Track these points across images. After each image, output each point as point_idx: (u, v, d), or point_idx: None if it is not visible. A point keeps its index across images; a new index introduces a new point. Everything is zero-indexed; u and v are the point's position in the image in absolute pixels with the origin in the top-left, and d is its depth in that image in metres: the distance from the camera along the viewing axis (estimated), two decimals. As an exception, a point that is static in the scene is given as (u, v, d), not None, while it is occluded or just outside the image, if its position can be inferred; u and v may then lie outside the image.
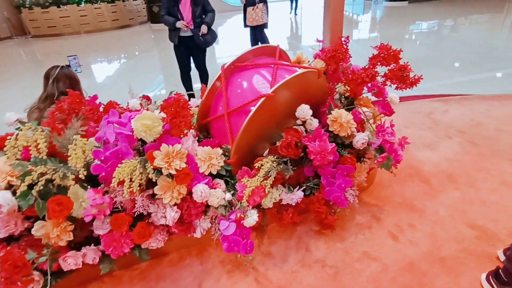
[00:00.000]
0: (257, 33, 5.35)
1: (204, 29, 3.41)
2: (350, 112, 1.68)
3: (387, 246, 1.52)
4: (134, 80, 5.72)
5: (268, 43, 5.64)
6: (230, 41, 8.70)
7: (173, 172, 1.21)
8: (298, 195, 1.51)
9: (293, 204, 1.51)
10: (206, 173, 1.36)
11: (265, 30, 5.43)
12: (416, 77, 1.60)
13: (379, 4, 14.06)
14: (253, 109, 1.30)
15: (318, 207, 1.51)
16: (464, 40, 7.60)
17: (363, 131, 1.64)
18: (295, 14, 12.21)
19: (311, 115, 1.51)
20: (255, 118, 1.32)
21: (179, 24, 3.33)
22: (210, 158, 1.35)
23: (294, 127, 1.55)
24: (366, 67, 1.66)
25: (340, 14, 1.78)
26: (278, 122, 1.51)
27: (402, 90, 1.64)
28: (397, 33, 8.65)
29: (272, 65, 1.46)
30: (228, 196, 1.36)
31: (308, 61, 2.12)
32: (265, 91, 1.36)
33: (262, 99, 1.31)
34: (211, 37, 3.56)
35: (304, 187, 1.56)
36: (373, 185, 1.91)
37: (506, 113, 2.73)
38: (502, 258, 1.39)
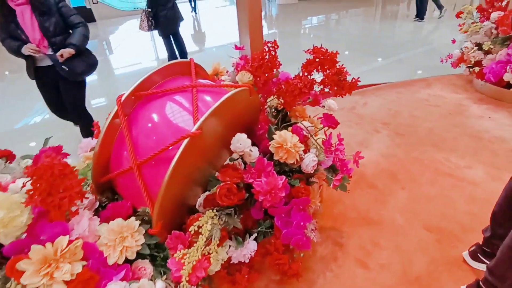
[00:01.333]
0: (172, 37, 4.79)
1: (65, 53, 2.04)
2: (289, 128, 1.43)
3: (359, 277, 1.32)
4: (5, 109, 4.52)
5: (184, 48, 5.13)
6: (131, 52, 7.77)
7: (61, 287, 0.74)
8: (250, 248, 1.18)
9: (247, 261, 1.18)
10: (120, 262, 0.91)
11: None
12: (353, 80, 1.42)
13: (273, 2, 14.65)
14: (176, 156, 0.91)
15: (277, 257, 1.21)
16: (349, 31, 8.36)
17: (307, 149, 1.40)
18: (195, 13, 11.79)
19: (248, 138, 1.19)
20: (179, 166, 0.93)
21: (25, 49, 1.98)
22: (123, 238, 0.91)
23: (230, 162, 1.20)
24: (299, 74, 1.42)
25: (258, 15, 1.49)
26: (210, 161, 1.15)
27: (343, 97, 1.45)
28: (294, 29, 9.04)
29: (191, 88, 1.08)
30: (160, 285, 0.94)
31: (227, 72, 1.79)
32: (186, 125, 0.98)
33: (186, 140, 0.93)
34: (85, 64, 2.19)
35: (255, 234, 1.23)
36: (323, 203, 1.71)
37: (413, 99, 2.90)
38: (469, 260, 1.33)
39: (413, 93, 3.02)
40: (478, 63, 2.82)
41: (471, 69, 2.95)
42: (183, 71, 1.23)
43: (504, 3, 2.80)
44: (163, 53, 5.17)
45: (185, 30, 9.48)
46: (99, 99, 4.25)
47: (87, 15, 11.34)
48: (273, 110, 1.57)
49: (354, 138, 2.30)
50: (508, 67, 2.48)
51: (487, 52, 2.75)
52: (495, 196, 1.22)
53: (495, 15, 2.66)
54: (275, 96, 1.46)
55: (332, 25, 9.91)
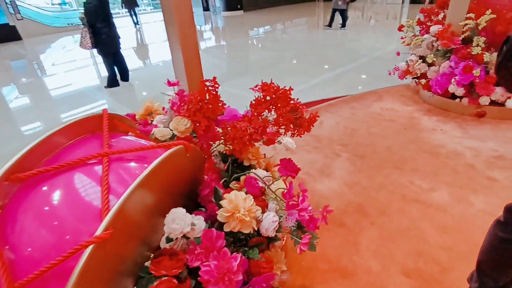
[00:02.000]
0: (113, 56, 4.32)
1: None
2: (242, 179, 1.18)
3: None
4: None
5: (125, 65, 4.66)
6: (67, 72, 6.97)
7: None
8: None
9: None
10: None
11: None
12: (311, 116, 1.22)
13: (218, 15, 14.51)
14: (72, 278, 0.60)
15: None
16: (296, 40, 8.47)
17: (265, 206, 1.16)
18: (138, 25, 11.20)
19: (191, 200, 0.92)
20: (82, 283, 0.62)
21: None
22: None
23: (166, 245, 0.91)
24: (249, 113, 1.19)
25: (193, 46, 1.23)
26: (141, 242, 0.85)
27: (301, 136, 1.24)
28: (241, 41, 8.94)
29: (101, 158, 0.78)
30: None
31: (164, 109, 1.50)
32: (88, 224, 0.68)
33: (89, 249, 0.62)
34: None
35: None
36: (289, 269, 1.48)
37: (367, 114, 2.84)
38: (455, 310, 1.19)
39: (367, 108, 2.97)
40: (424, 75, 2.85)
41: (417, 80, 2.99)
42: (94, 127, 0.92)
43: (440, 17, 2.88)
44: (104, 71, 4.69)
45: (128, 45, 8.90)
46: (33, 125, 3.68)
47: (11, 33, 10.16)
48: (221, 155, 1.32)
49: (314, 165, 2.13)
50: (453, 79, 2.51)
51: (431, 64, 2.79)
52: (464, 223, 1.09)
53: (434, 28, 2.71)
54: (221, 142, 1.20)
55: (279, 35, 10.00)
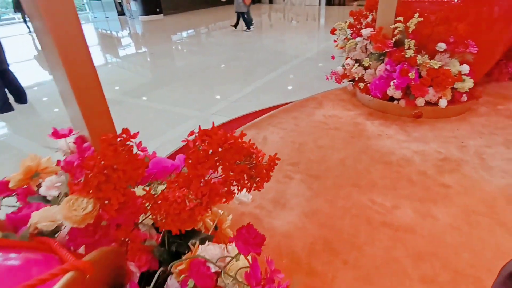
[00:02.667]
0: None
1: None
2: (186, 262, 0.82)
3: None
4: None
5: (19, 84, 3.74)
6: None
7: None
8: None
9: None
10: None
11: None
12: (270, 163, 0.92)
13: (136, 19, 13.44)
14: None
15: None
16: (223, 44, 8.20)
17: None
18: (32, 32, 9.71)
19: None
20: None
21: None
22: None
23: None
24: (187, 173, 0.83)
25: (90, 71, 0.82)
26: None
27: (259, 190, 0.92)
28: (165, 46, 8.31)
29: None
30: None
31: (59, 163, 1.04)
32: None
33: None
34: None
35: None
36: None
37: (312, 124, 2.68)
38: None
39: (309, 116, 2.81)
40: (361, 78, 2.80)
41: (353, 83, 2.94)
42: None
43: (369, 19, 2.87)
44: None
45: (22, 57, 7.56)
46: None
47: None
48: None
49: (267, 195, 1.84)
50: (391, 82, 2.47)
51: (367, 68, 2.75)
52: (436, 243, 0.92)
53: (367, 32, 2.67)
54: (150, 214, 0.82)
55: (204, 39, 9.59)
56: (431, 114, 2.61)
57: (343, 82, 3.03)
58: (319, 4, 15.10)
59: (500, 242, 1.47)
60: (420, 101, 2.50)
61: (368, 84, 2.75)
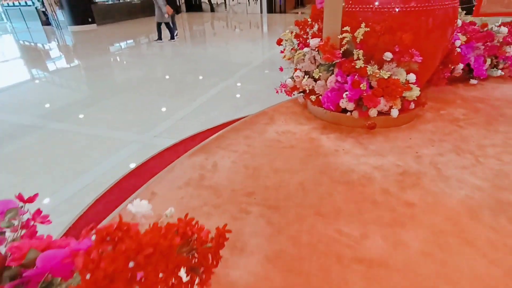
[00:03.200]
0: None
1: None
2: None
3: None
4: None
5: None
6: None
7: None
8: None
9: None
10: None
11: None
12: (220, 235, 0.66)
13: (65, 30, 12.24)
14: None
15: None
16: (163, 54, 7.77)
17: None
18: None
19: None
20: None
21: None
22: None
23: None
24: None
25: None
26: None
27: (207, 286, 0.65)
28: (101, 59, 7.58)
29: None
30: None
31: None
32: None
33: None
34: None
35: None
36: None
37: (265, 143, 2.47)
38: None
39: (261, 134, 2.60)
40: (312, 90, 2.68)
41: (303, 95, 2.80)
42: None
43: (315, 29, 2.76)
44: None
45: None
46: None
47: None
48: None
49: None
50: (344, 94, 2.37)
51: (317, 79, 2.63)
52: (413, 278, 0.74)
53: (315, 42, 2.55)
54: None
55: (144, 50, 9.01)
56: (384, 123, 2.57)
57: (294, 94, 2.89)
58: (261, 12, 15.28)
59: (473, 265, 1.38)
60: (373, 112, 2.43)
61: (320, 96, 2.63)
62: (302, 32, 2.83)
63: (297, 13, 14.55)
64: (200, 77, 5.35)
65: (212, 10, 17.19)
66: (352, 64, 2.34)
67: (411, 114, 2.68)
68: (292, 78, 2.74)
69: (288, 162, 2.19)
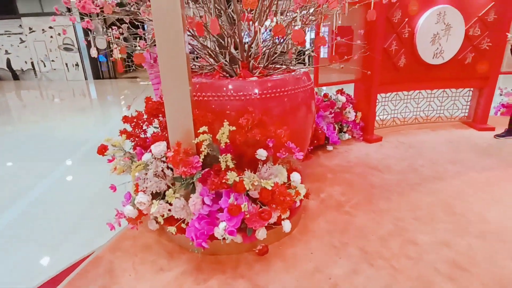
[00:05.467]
0: None
1: None
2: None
3: None
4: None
5: None
6: None
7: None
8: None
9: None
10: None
11: None
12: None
13: None
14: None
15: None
16: None
17: None
18: None
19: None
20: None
21: None
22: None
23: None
24: None
25: None
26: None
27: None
28: None
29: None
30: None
31: None
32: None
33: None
34: None
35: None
36: None
37: None
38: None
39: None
40: (171, 218, 1.75)
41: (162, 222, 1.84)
42: None
43: (155, 124, 1.92)
44: None
45: None
46: None
47: None
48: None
49: None
50: (221, 225, 1.56)
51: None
52: None
53: (159, 149, 1.68)
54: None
55: None
56: (273, 238, 1.92)
57: (141, 223, 1.88)
58: (86, 79, 13.39)
59: None
60: (261, 234, 1.74)
61: (183, 224, 1.75)
62: (137, 131, 1.93)
63: (136, 78, 13.51)
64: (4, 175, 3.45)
65: (16, 78, 13.87)
66: (222, 177, 1.60)
67: (298, 214, 2.17)
68: (132, 204, 1.75)
69: None
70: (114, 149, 1.81)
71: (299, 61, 2.94)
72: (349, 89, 3.84)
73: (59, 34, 12.88)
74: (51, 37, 12.97)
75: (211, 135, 1.66)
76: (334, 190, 2.63)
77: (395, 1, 3.28)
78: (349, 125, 3.59)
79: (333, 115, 3.34)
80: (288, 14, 2.30)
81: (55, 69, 13.49)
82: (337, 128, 3.44)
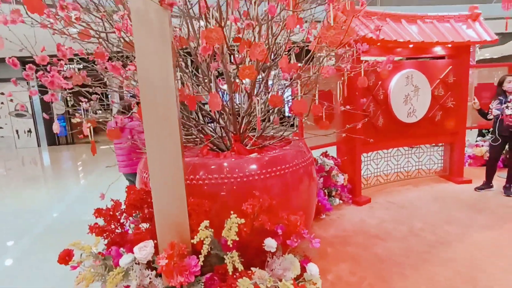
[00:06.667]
0: None
1: None
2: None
3: None
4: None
5: None
6: None
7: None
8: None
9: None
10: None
11: None
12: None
13: None
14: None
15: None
16: None
17: None
18: None
19: None
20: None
21: None
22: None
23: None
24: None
25: None
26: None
27: None
28: None
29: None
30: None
31: None
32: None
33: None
34: None
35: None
36: None
37: None
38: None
39: None
40: None
41: None
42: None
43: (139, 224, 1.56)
44: None
45: None
46: None
47: None
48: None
49: None
50: None
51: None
52: None
53: (144, 254, 1.31)
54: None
55: None
56: None
57: None
58: (39, 146, 12.39)
59: None
60: None
61: None
62: (111, 227, 1.54)
63: (96, 141, 12.71)
64: None
65: (-44, 148, 12.42)
66: (231, 285, 1.25)
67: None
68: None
69: None
70: (83, 256, 1.39)
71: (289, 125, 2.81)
72: (331, 151, 3.77)
73: (11, 100, 12.12)
74: (2, 103, 12.12)
75: (212, 230, 1.34)
76: (341, 269, 2.32)
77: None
78: (338, 189, 3.42)
79: (322, 180, 3.16)
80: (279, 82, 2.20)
81: (2, 137, 12.38)
82: (327, 193, 3.25)
